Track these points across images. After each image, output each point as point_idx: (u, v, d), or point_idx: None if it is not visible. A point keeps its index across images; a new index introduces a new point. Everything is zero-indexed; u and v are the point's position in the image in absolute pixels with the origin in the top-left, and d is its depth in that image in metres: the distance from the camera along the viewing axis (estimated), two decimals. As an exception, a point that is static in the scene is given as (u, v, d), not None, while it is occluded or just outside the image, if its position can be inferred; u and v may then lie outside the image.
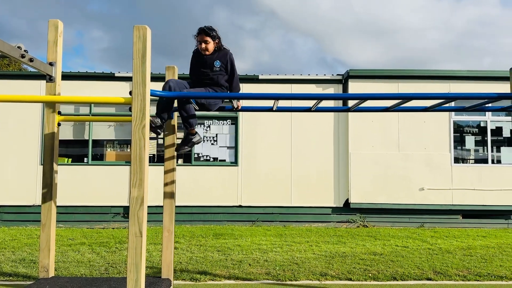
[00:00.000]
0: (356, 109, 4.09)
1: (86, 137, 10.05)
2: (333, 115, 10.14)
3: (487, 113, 10.12)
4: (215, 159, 10.14)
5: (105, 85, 9.98)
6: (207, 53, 3.88)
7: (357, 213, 9.96)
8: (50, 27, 3.71)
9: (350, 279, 5.38)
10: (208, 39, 3.82)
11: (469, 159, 10.40)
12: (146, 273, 5.34)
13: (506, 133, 10.18)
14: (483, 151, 10.29)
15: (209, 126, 10.16)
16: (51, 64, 3.74)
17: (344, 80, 10.16)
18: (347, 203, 9.97)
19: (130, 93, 2.76)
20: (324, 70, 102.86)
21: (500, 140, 10.28)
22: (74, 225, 9.68)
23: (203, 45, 3.83)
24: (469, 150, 10.38)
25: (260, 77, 9.88)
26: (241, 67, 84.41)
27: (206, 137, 10.15)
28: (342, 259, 6.37)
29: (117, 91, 9.56)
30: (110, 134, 10.27)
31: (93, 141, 10.07)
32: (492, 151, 10.14)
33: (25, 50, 3.29)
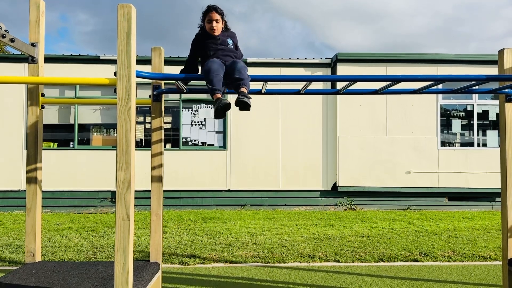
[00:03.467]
0: (345, 92, 4.06)
1: (71, 121, 9.91)
2: (321, 99, 10.13)
3: (473, 97, 10.21)
4: (203, 143, 10.09)
5: (90, 68, 9.81)
6: (215, 33, 3.58)
7: (344, 196, 10.05)
8: (31, 6, 3.59)
9: (338, 261, 5.44)
10: (219, 17, 3.56)
11: (456, 143, 10.51)
12: (134, 257, 5.33)
13: (492, 117, 10.29)
14: (469, 134, 10.40)
15: (197, 110, 10.08)
16: (33, 44, 3.63)
17: (333, 64, 10.12)
18: (335, 186, 10.04)
19: (115, 74, 2.69)
20: (313, 54, 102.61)
21: (486, 124, 10.40)
22: (61, 210, 9.60)
23: (214, 24, 3.54)
24: (455, 134, 10.49)
25: (249, 60, 9.79)
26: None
27: (194, 122, 10.07)
28: (330, 242, 6.43)
29: (103, 74, 9.41)
30: (96, 118, 10.13)
31: (79, 125, 9.93)
32: (478, 134, 10.26)
33: (5, 30, 3.18)
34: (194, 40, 3.71)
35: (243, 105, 3.21)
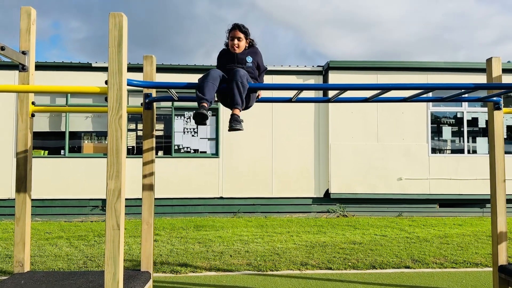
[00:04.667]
0: (336, 100, 4.09)
1: (62, 129, 9.84)
2: (313, 107, 10.18)
3: (463, 104, 10.32)
4: (195, 150, 10.07)
5: (82, 75, 9.77)
6: (237, 50, 3.65)
7: (337, 203, 10.06)
8: (22, 14, 3.58)
9: (330, 268, 5.43)
10: (242, 36, 3.62)
11: (446, 150, 10.60)
12: (125, 266, 5.28)
13: (481, 124, 10.40)
14: (460, 141, 10.50)
15: (189, 118, 10.07)
16: (23, 53, 3.61)
17: (324, 72, 10.19)
18: (327, 193, 10.06)
19: (106, 82, 2.68)
20: (304, 61, 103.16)
21: (476, 131, 10.50)
22: (51, 218, 9.50)
23: (236, 42, 3.61)
24: (445, 140, 10.58)
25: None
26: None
27: (187, 129, 10.06)
28: (322, 249, 6.43)
29: (94, 82, 9.37)
30: (87, 126, 10.07)
31: (70, 133, 9.87)
32: (468, 141, 10.36)
33: (-5, 38, 3.17)
34: (218, 56, 3.81)
35: (235, 130, 3.32)
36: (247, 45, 3.71)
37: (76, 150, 10.14)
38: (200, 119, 3.22)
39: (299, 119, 10.13)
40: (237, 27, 3.64)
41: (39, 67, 9.17)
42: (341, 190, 9.99)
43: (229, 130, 3.31)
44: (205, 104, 3.24)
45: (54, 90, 3.12)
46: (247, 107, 3.67)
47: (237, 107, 3.32)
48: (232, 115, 3.30)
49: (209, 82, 3.31)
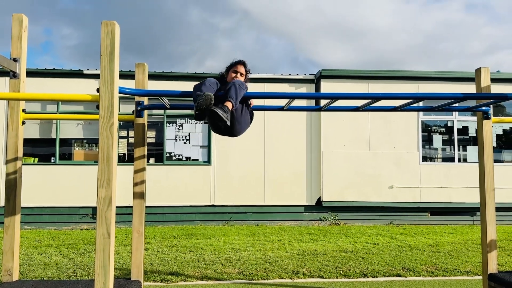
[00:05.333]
0: (327, 108, 4.12)
1: (53, 136, 9.77)
2: (305, 115, 10.22)
3: (454, 113, 10.42)
4: (187, 158, 10.04)
5: (73, 82, 9.73)
6: None
7: (329, 211, 10.07)
8: (14, 21, 3.57)
9: (322, 277, 5.43)
10: (244, 72, 3.74)
11: (437, 158, 10.68)
12: (115, 275, 5.23)
13: (472, 133, 10.51)
14: (450, 150, 10.59)
15: (181, 125, 10.05)
16: (15, 60, 3.59)
17: (316, 80, 10.25)
18: (319, 201, 10.07)
19: (98, 90, 2.68)
20: (297, 69, 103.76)
21: (466, 140, 10.61)
22: (41, 226, 9.39)
23: (238, 75, 3.69)
24: (436, 149, 10.66)
25: (233, 76, 9.82)
26: (214, 66, 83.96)
27: (179, 136, 10.04)
28: (314, 257, 6.42)
29: (86, 89, 9.33)
30: (78, 133, 10.01)
31: (61, 140, 9.80)
32: (458, 150, 10.45)
33: (-14, 45, 3.15)
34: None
35: (213, 116, 3.09)
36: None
37: (66, 157, 10.06)
38: (205, 103, 3.07)
39: (291, 127, 10.16)
40: (243, 64, 3.77)
41: (30, 74, 9.12)
42: (332, 198, 10.00)
43: (209, 116, 3.10)
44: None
45: (45, 98, 3.11)
46: (240, 131, 3.62)
47: (229, 100, 3.23)
48: (222, 106, 3.17)
49: (206, 85, 3.32)
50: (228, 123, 3.16)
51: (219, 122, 3.15)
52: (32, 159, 9.75)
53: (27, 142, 9.49)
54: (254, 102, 3.91)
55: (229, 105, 3.22)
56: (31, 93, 3.17)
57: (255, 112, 3.92)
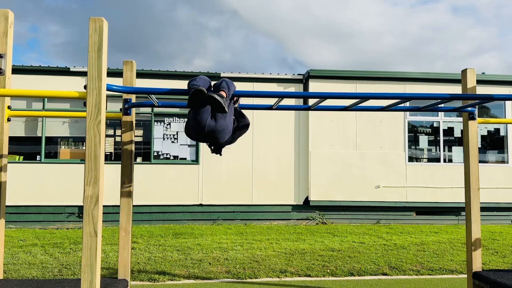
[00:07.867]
0: (316, 108, 4.14)
1: (39, 134, 9.64)
2: (294, 115, 10.25)
3: (439, 113, 10.56)
4: (175, 157, 10.00)
5: (60, 80, 9.61)
6: None
7: (316, 210, 10.12)
8: (-1, 17, 3.52)
9: (309, 275, 5.45)
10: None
11: (423, 158, 10.81)
12: (102, 274, 5.18)
13: (457, 133, 10.65)
14: (436, 150, 10.72)
15: (169, 124, 10.00)
16: (0, 56, 3.54)
17: (305, 80, 10.29)
18: (306, 200, 10.11)
19: (85, 87, 2.65)
20: (285, 70, 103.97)
21: (452, 140, 10.75)
22: (25, 225, 9.27)
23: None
24: (422, 149, 10.79)
25: (222, 75, 9.82)
26: (203, 65, 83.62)
27: (166, 135, 9.99)
28: (301, 256, 6.45)
29: (72, 86, 9.24)
30: (64, 131, 9.90)
31: (47, 138, 9.68)
32: (444, 150, 10.59)
33: (-30, 40, 3.10)
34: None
35: (211, 101, 3.07)
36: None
37: (52, 155, 9.94)
38: (197, 97, 3.06)
39: (279, 127, 10.18)
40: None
41: (16, 70, 8.97)
42: (320, 198, 10.06)
43: (207, 102, 3.08)
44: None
45: (31, 95, 3.07)
46: (231, 141, 3.60)
47: (223, 89, 3.21)
48: (219, 93, 3.14)
49: (201, 79, 3.31)
50: (227, 109, 3.11)
51: (217, 109, 3.11)
52: (17, 157, 9.60)
53: (12, 140, 9.35)
54: (243, 102, 3.91)
55: (223, 93, 3.21)
56: (17, 89, 3.12)
57: (244, 111, 3.86)
